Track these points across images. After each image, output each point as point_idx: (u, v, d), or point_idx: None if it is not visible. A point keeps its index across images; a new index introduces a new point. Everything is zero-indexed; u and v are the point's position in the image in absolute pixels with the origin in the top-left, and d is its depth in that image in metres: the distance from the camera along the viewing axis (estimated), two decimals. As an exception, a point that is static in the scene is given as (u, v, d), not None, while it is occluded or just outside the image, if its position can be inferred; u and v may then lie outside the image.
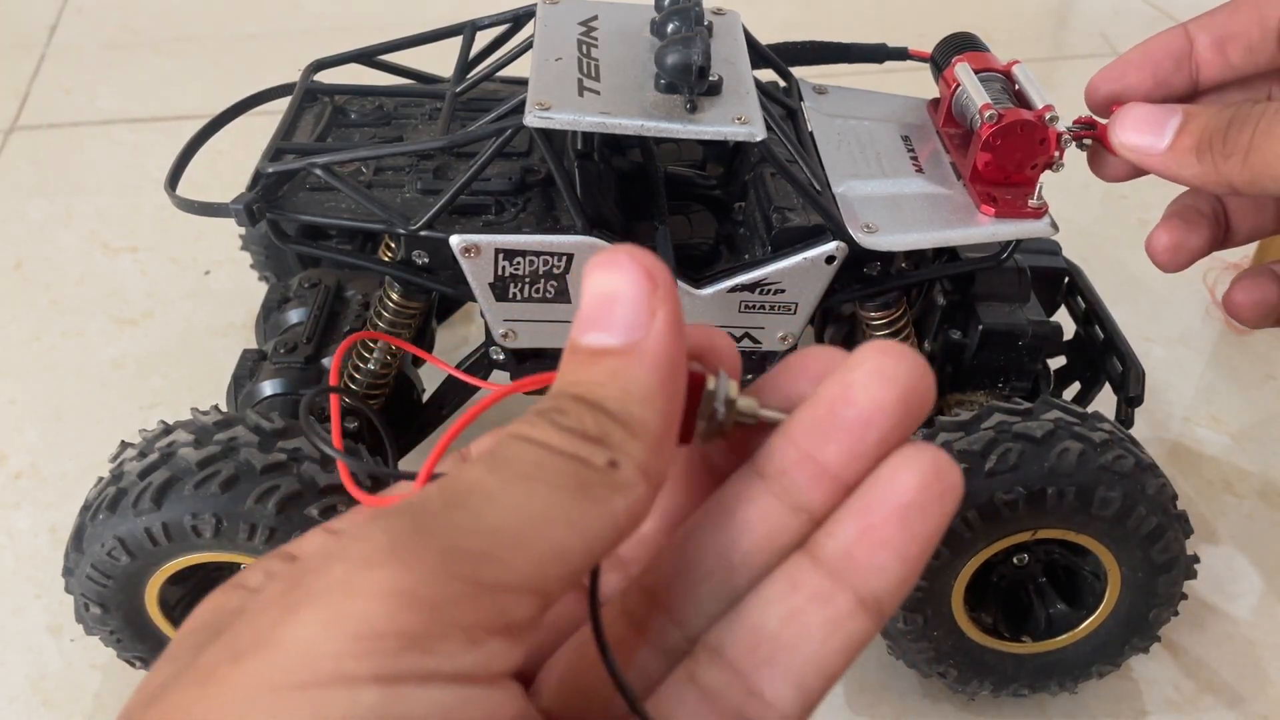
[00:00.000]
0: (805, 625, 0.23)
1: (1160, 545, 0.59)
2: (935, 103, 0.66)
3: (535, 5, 0.62)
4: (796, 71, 0.69)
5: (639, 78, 0.56)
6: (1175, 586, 0.62)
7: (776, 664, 0.23)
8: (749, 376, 0.62)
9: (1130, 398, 0.66)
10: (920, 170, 0.61)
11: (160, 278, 1.01)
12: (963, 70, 0.60)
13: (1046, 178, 0.58)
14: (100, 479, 0.59)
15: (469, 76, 0.64)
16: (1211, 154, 0.39)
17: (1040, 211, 0.58)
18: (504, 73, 0.65)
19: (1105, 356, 0.71)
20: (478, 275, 0.58)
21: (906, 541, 0.23)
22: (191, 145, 0.61)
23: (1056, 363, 0.76)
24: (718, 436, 0.25)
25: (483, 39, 0.67)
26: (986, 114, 0.56)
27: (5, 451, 0.84)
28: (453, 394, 0.69)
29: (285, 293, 0.73)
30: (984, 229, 0.58)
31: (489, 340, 0.63)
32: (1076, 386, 0.75)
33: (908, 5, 1.54)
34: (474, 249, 0.57)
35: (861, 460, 0.24)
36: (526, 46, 0.61)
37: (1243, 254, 1.08)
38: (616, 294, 0.23)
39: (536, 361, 0.64)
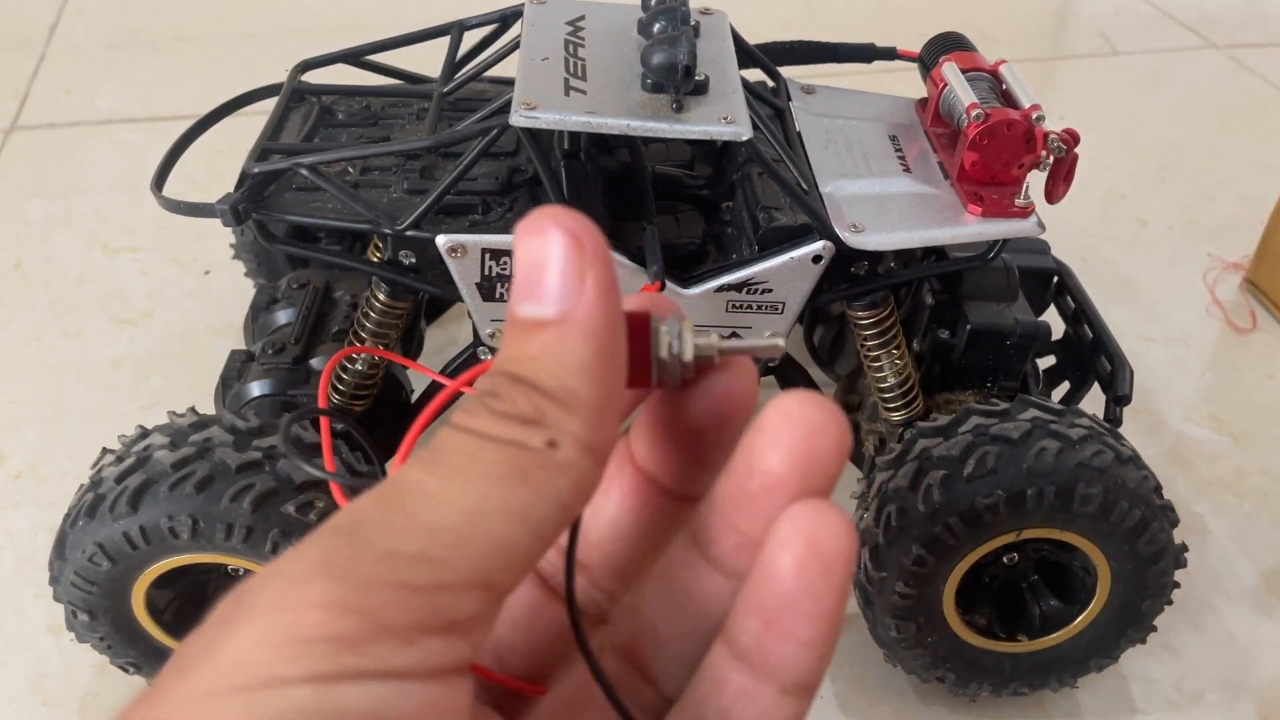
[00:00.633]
0: None
1: (1146, 537, 0.59)
2: (923, 102, 0.66)
3: (523, 5, 0.62)
4: (787, 71, 0.69)
5: (626, 77, 0.56)
6: (1165, 577, 0.62)
7: None
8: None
9: (1119, 396, 0.66)
10: (908, 170, 0.61)
11: (160, 278, 1.02)
12: (950, 70, 0.60)
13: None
14: (81, 486, 0.59)
15: (456, 76, 0.64)
16: None
17: (1027, 211, 0.58)
18: (492, 72, 0.65)
19: (1094, 356, 0.70)
20: (465, 275, 0.58)
21: (806, 628, 0.23)
22: (178, 146, 0.61)
23: (1046, 362, 0.76)
24: (678, 379, 0.24)
25: (470, 39, 0.67)
26: (973, 113, 0.56)
27: (5, 451, 0.84)
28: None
29: (273, 293, 0.73)
30: (971, 228, 0.58)
31: (477, 341, 0.63)
32: (1066, 386, 0.75)
33: (907, 5, 1.54)
34: (460, 249, 0.57)
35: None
36: (514, 46, 0.61)
37: (1243, 253, 1.08)
38: (544, 261, 0.22)
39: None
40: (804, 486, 0.23)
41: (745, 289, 0.60)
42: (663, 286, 0.55)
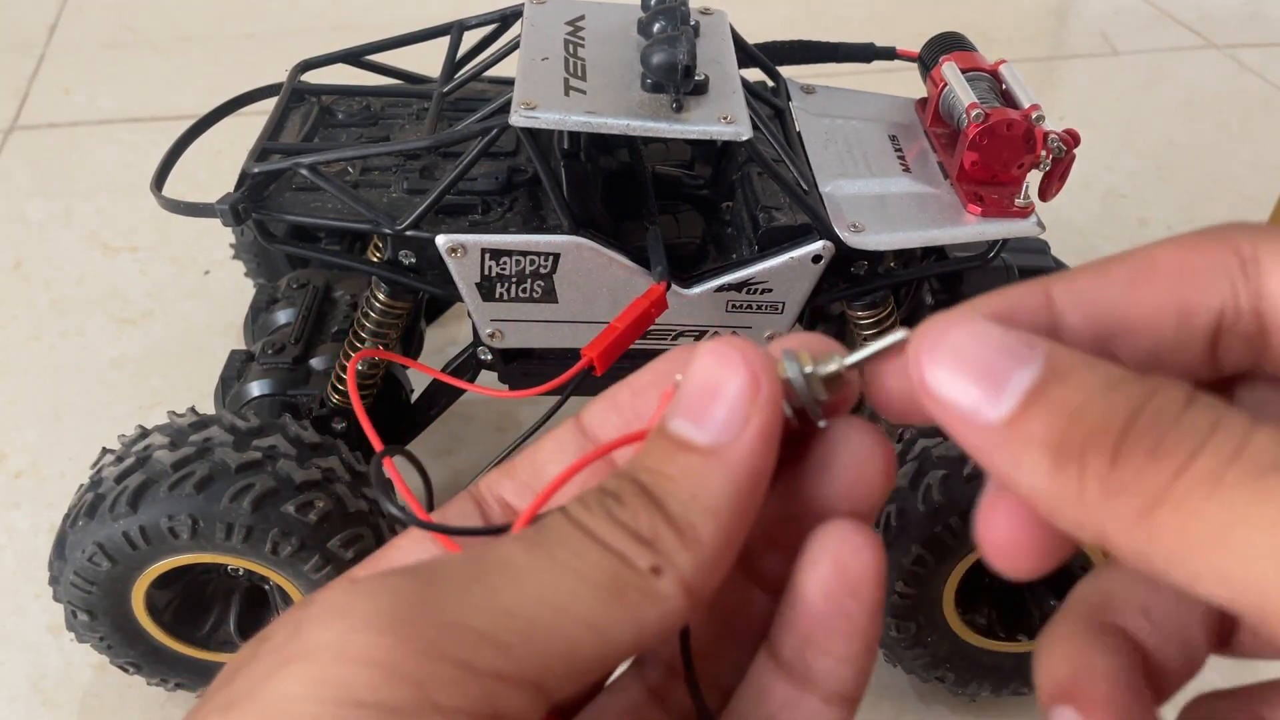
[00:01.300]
0: None
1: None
2: (923, 102, 0.66)
3: (523, 5, 0.62)
4: (786, 71, 0.69)
5: (626, 77, 0.56)
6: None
7: None
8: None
9: (1119, 397, 0.66)
10: (907, 169, 0.61)
11: (160, 278, 1.02)
12: (950, 70, 0.60)
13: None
14: (81, 486, 0.59)
15: (456, 76, 0.64)
16: (1082, 471, 0.19)
17: (1027, 210, 0.58)
18: (492, 72, 0.65)
19: (1095, 355, 0.70)
20: (464, 275, 0.58)
21: (841, 644, 0.23)
22: (178, 146, 0.61)
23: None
24: (826, 411, 0.23)
25: (470, 39, 0.67)
26: (973, 113, 0.56)
27: (5, 451, 0.84)
28: (441, 395, 0.69)
29: (273, 293, 0.73)
30: (970, 228, 0.58)
31: (476, 341, 0.63)
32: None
33: (907, 5, 1.54)
34: (460, 249, 0.57)
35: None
36: (514, 46, 0.61)
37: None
38: (718, 389, 0.22)
39: (525, 362, 0.64)
40: (848, 510, 0.23)
41: (745, 289, 0.60)
42: (669, 287, 0.55)
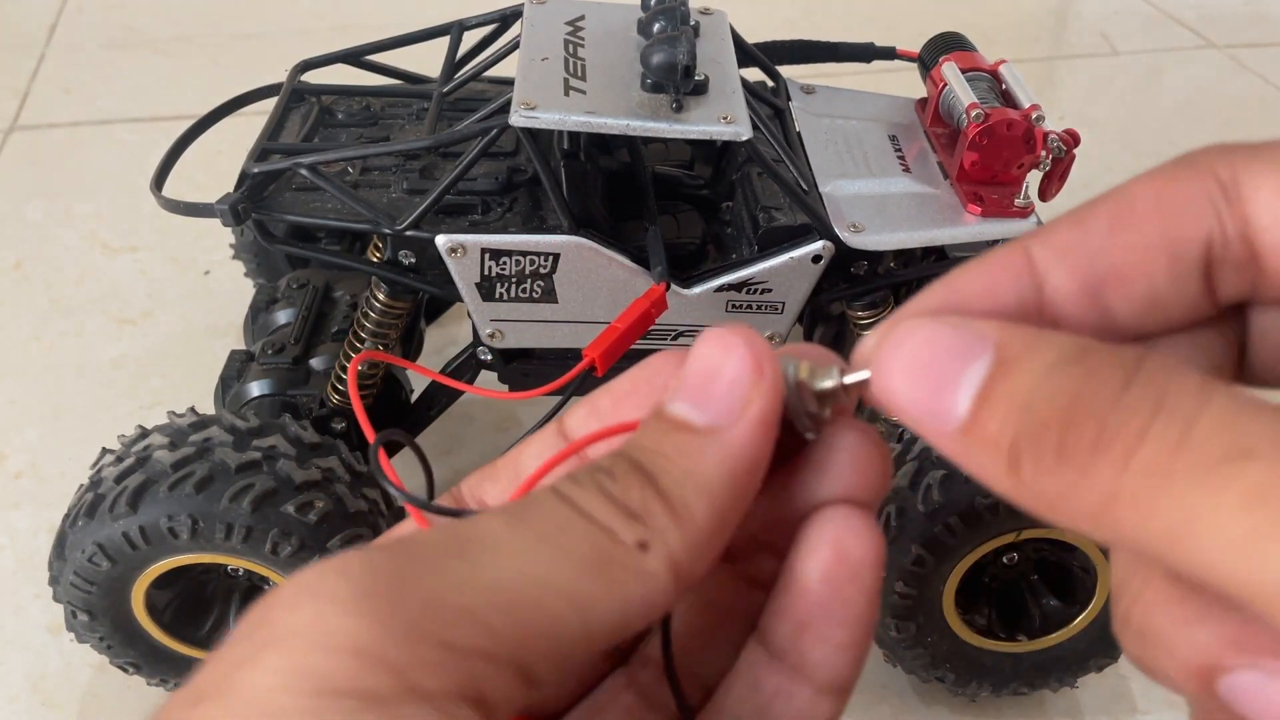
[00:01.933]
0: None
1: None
2: (923, 102, 0.66)
3: (522, 5, 0.62)
4: (786, 71, 0.69)
5: (625, 77, 0.56)
6: None
7: None
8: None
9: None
10: (907, 170, 0.61)
11: (160, 278, 1.02)
12: (950, 70, 0.60)
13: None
14: (80, 486, 0.59)
15: (456, 77, 0.64)
16: (1035, 471, 0.18)
17: (1026, 210, 0.58)
18: (491, 72, 0.65)
19: (1095, 355, 0.70)
20: (464, 275, 0.58)
21: (837, 632, 0.22)
22: (178, 146, 0.61)
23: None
24: (823, 422, 0.23)
25: (470, 39, 0.67)
26: (973, 113, 0.56)
27: (5, 451, 0.84)
28: (440, 395, 0.69)
29: (273, 293, 0.73)
30: (970, 228, 0.58)
31: (476, 341, 0.63)
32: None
33: (907, 5, 1.54)
34: (460, 249, 0.57)
35: None
36: (513, 46, 0.61)
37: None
38: (719, 372, 0.22)
39: (524, 362, 0.64)
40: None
41: (745, 289, 0.60)
42: (668, 287, 0.55)
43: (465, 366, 0.65)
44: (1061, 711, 0.69)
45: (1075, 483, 0.18)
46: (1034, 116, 0.56)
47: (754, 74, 0.67)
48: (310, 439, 0.59)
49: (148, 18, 1.47)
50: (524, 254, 0.57)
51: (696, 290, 0.59)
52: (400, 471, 0.34)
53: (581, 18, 0.61)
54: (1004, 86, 0.60)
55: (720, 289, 0.59)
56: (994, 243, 0.61)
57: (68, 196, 1.12)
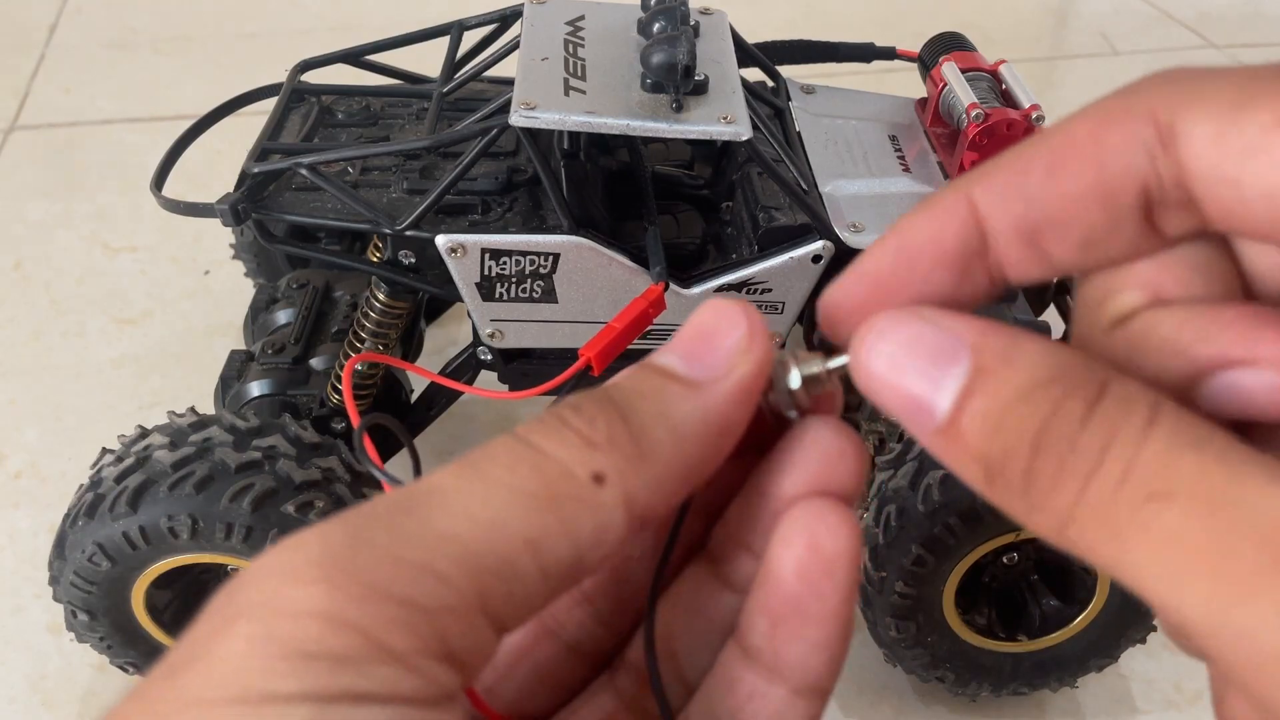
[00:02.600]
0: None
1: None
2: (923, 102, 0.66)
3: (522, 5, 0.62)
4: (786, 71, 0.69)
5: (625, 77, 0.56)
6: None
7: None
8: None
9: (1119, 397, 0.66)
10: (907, 169, 0.61)
11: (160, 278, 1.02)
12: (950, 70, 0.60)
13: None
14: (80, 486, 0.59)
15: (456, 76, 0.64)
16: (1006, 485, 0.19)
17: (1027, 210, 0.58)
18: (491, 72, 0.65)
19: (1095, 355, 0.70)
20: (464, 275, 0.58)
21: (813, 629, 0.22)
22: (177, 146, 0.61)
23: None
24: (800, 408, 0.23)
25: (470, 39, 0.67)
26: (973, 113, 0.56)
27: (5, 451, 0.84)
28: (440, 395, 0.69)
29: (273, 293, 0.73)
30: (970, 228, 0.58)
31: (476, 341, 0.63)
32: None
33: (908, 4, 1.54)
34: (460, 248, 0.57)
35: None
36: (513, 46, 0.61)
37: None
38: (713, 333, 0.22)
39: (524, 362, 0.64)
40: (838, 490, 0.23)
41: (745, 289, 0.60)
42: (667, 287, 0.55)
43: (465, 366, 0.65)
44: (1061, 711, 0.69)
45: (1038, 505, 0.19)
46: (1034, 116, 0.56)
47: (754, 74, 0.67)
48: (310, 439, 0.59)
49: (148, 18, 1.47)
50: (524, 254, 0.57)
51: (696, 290, 0.59)
52: (401, 471, 0.34)
53: (581, 18, 0.61)
54: (1004, 86, 0.60)
55: (720, 289, 0.59)
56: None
57: (68, 196, 1.12)
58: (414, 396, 0.73)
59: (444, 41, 0.66)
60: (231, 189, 0.57)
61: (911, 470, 0.59)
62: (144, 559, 0.57)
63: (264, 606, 0.18)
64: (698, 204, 0.64)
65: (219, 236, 0.97)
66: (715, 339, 0.22)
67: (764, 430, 0.24)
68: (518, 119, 0.52)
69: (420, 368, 0.49)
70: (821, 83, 0.69)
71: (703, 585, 0.25)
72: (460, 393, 0.69)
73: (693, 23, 0.58)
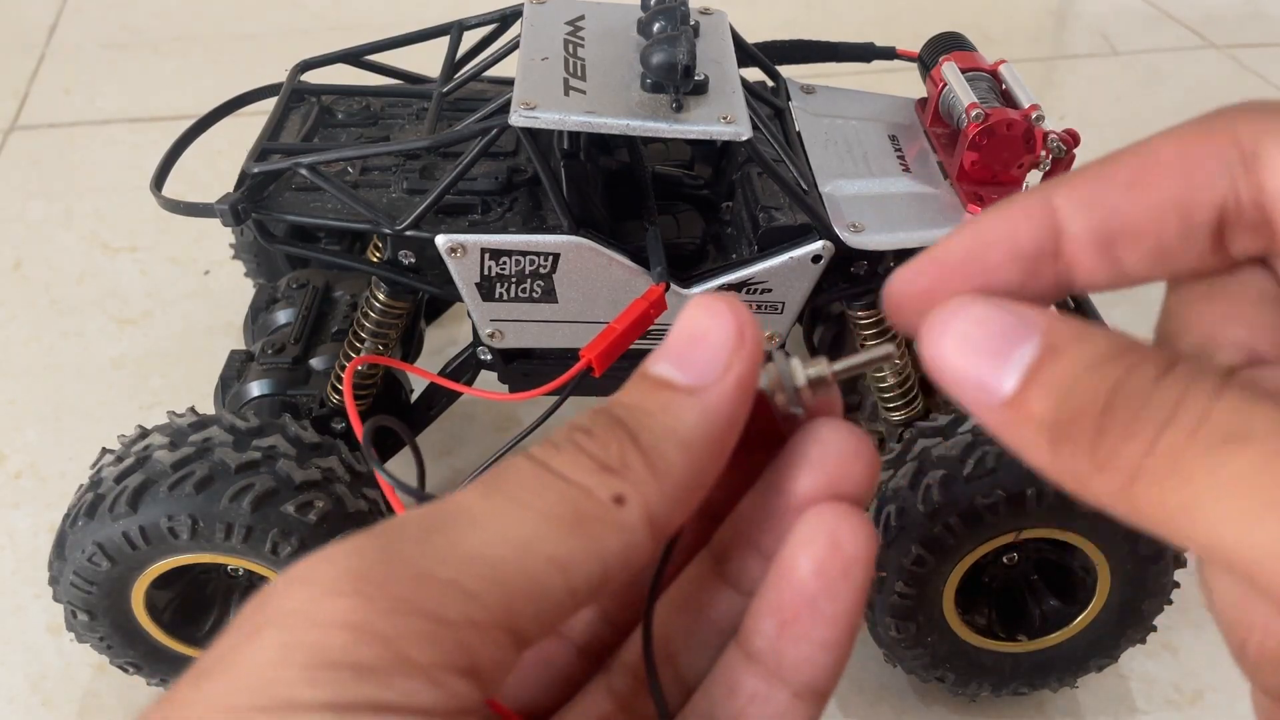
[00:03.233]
0: None
1: (1145, 537, 0.59)
2: (923, 102, 0.66)
3: (522, 5, 0.62)
4: (786, 71, 0.69)
5: (625, 77, 0.56)
6: (1165, 576, 0.62)
7: None
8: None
9: (1119, 396, 0.66)
10: (907, 169, 0.61)
11: (160, 278, 1.02)
12: (949, 70, 0.60)
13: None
14: (80, 486, 0.59)
15: (456, 76, 0.64)
16: (1074, 449, 0.20)
17: (1027, 210, 0.58)
18: (491, 72, 0.65)
19: (1095, 355, 0.70)
20: (464, 275, 0.58)
21: (823, 629, 0.23)
22: (177, 146, 0.61)
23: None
24: (801, 410, 0.24)
25: (470, 39, 0.67)
26: (973, 113, 0.56)
27: (5, 451, 0.84)
28: (440, 395, 0.69)
29: (273, 293, 0.73)
30: (970, 228, 0.58)
31: (476, 341, 0.63)
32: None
33: (907, 5, 1.54)
34: (460, 248, 0.57)
35: None
36: (513, 46, 0.61)
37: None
38: (704, 336, 0.22)
39: (524, 362, 0.64)
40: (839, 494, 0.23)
41: (745, 289, 0.60)
42: (667, 288, 0.55)
43: (465, 366, 0.65)
44: (1061, 711, 0.69)
45: (1105, 462, 0.19)
46: (1034, 116, 0.56)
47: (754, 74, 0.67)
48: (310, 439, 0.59)
49: (148, 18, 1.47)
50: (524, 254, 0.57)
51: (696, 290, 0.59)
52: (400, 471, 0.34)
53: (581, 18, 0.61)
54: (1004, 86, 0.60)
55: (720, 289, 0.59)
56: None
57: (68, 196, 1.12)
58: (414, 396, 0.73)
59: (444, 41, 0.66)
60: (230, 189, 0.57)
61: (911, 470, 0.59)
62: (144, 559, 0.57)
63: (294, 615, 0.19)
64: (698, 204, 0.64)
65: (219, 236, 0.97)
66: (707, 340, 0.22)
67: (766, 428, 0.24)
68: (518, 119, 0.52)
69: (420, 368, 0.49)
70: (821, 83, 0.69)
71: (705, 583, 0.25)
72: (460, 393, 0.69)
73: (693, 23, 0.58)
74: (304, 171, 0.56)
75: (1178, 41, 1.52)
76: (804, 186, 0.58)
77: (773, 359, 0.24)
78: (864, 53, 0.68)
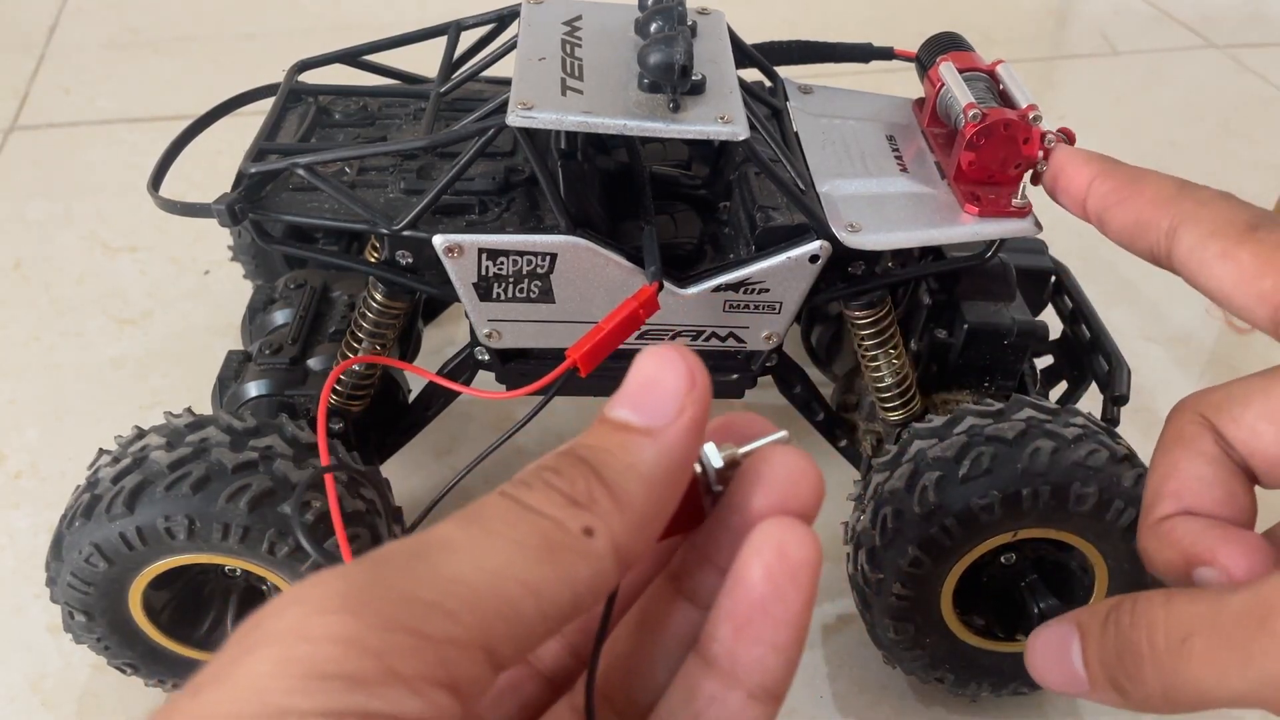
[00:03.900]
0: None
1: (1142, 538, 0.59)
2: (920, 102, 0.66)
3: (520, 5, 0.62)
4: (785, 72, 0.69)
5: (623, 77, 0.56)
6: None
7: None
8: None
9: (1116, 396, 0.66)
10: (905, 169, 0.61)
11: (160, 278, 1.02)
12: (947, 70, 0.60)
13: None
14: (77, 486, 0.59)
15: (454, 77, 0.64)
16: (1129, 689, 0.30)
17: (1024, 211, 0.58)
18: (489, 72, 0.65)
19: (1092, 355, 0.70)
20: (461, 275, 0.58)
21: (774, 631, 0.25)
22: (175, 146, 0.61)
23: (1044, 362, 0.76)
24: (722, 490, 0.27)
25: (468, 39, 0.67)
26: (970, 113, 0.56)
27: (5, 451, 0.84)
28: (438, 395, 0.69)
29: (271, 294, 0.73)
30: (967, 228, 0.58)
31: (474, 341, 0.63)
32: (1065, 385, 0.75)
33: (906, 5, 1.54)
34: (457, 249, 0.57)
35: None
36: (511, 46, 0.61)
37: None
38: (657, 382, 0.25)
39: (522, 362, 0.64)
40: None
41: (742, 289, 0.60)
42: (661, 287, 0.55)
43: (463, 367, 0.65)
44: (1061, 711, 0.69)
45: (1145, 692, 0.29)
46: (1031, 116, 0.55)
47: (752, 74, 0.67)
48: (307, 439, 0.59)
49: (148, 18, 1.47)
50: (521, 254, 0.57)
51: (693, 290, 0.59)
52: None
53: (579, 18, 0.61)
54: (1001, 86, 0.60)
55: (717, 289, 0.59)
56: (991, 243, 0.61)
57: (68, 196, 1.12)
58: (411, 396, 0.73)
59: (441, 41, 0.66)
60: (230, 189, 0.57)
61: (907, 472, 0.59)
62: (141, 560, 0.57)
63: (287, 632, 0.20)
64: (695, 204, 0.64)
65: (219, 237, 0.97)
66: (660, 386, 0.25)
67: (687, 506, 0.27)
68: (515, 119, 0.52)
69: (418, 367, 0.49)
70: (820, 83, 0.69)
71: (665, 601, 0.28)
72: (458, 393, 0.69)
73: (690, 23, 0.58)
74: (301, 172, 0.56)
75: (1178, 41, 1.52)
76: (801, 186, 0.58)
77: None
78: (862, 53, 0.68)
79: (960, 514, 0.57)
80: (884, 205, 0.59)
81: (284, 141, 0.62)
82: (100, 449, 0.60)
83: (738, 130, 0.53)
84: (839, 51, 0.68)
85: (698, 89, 0.55)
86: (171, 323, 0.97)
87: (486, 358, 0.64)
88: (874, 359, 0.66)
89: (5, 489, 0.81)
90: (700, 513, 0.27)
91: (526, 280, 0.58)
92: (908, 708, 0.70)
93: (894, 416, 0.67)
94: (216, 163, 0.80)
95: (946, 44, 0.63)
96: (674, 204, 0.63)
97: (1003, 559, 0.64)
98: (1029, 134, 0.56)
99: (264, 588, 0.64)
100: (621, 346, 0.53)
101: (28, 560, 0.76)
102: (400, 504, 0.65)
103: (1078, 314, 0.72)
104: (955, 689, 0.67)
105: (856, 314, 0.64)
